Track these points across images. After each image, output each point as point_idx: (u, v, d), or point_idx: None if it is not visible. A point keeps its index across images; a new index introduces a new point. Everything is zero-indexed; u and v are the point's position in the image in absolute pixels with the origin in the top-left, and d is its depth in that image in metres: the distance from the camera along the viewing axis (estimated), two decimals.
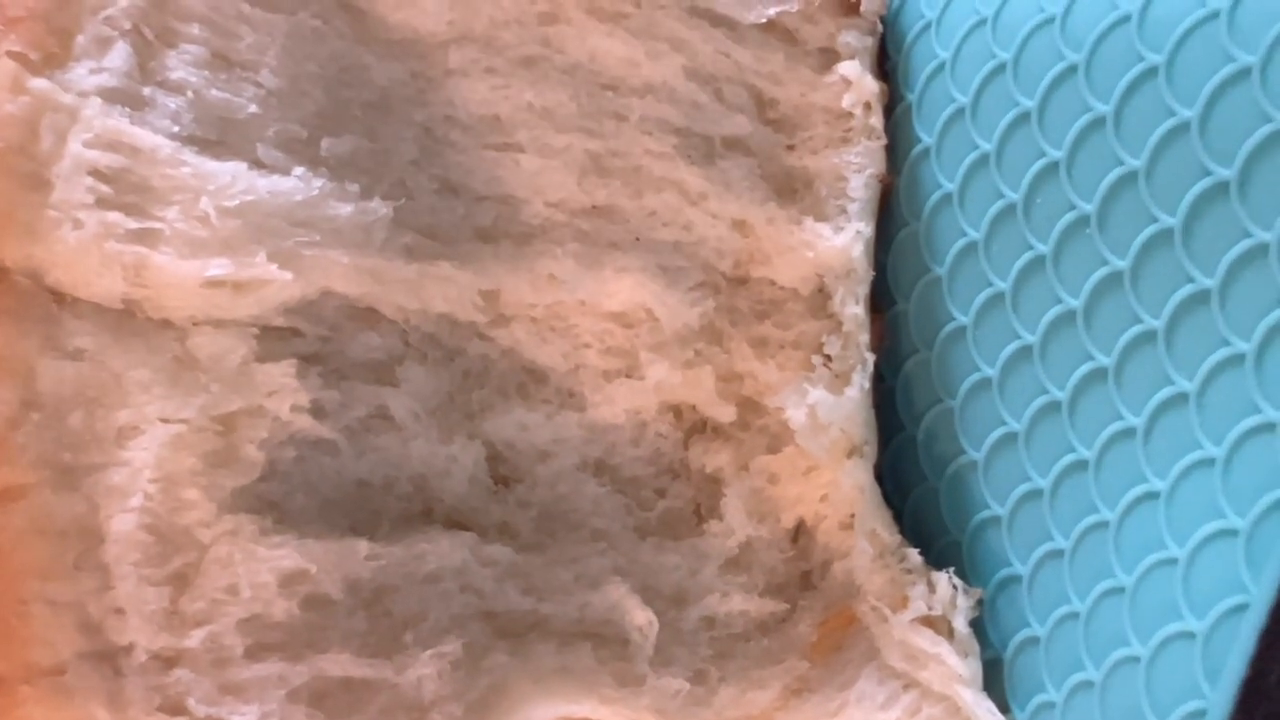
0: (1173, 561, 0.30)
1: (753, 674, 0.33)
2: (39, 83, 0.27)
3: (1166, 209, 0.31)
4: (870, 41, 0.38)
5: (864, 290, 0.36)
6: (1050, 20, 0.33)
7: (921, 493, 0.36)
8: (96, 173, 0.27)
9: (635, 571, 0.33)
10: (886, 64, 0.38)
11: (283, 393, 0.29)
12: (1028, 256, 0.34)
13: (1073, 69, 0.33)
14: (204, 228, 0.28)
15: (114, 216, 0.27)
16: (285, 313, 0.29)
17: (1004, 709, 0.33)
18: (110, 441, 0.27)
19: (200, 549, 0.27)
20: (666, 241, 0.35)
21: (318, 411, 0.29)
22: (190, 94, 0.29)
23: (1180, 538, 0.30)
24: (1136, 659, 0.30)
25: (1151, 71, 0.31)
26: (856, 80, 0.37)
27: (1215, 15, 0.30)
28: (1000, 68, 0.35)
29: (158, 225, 0.28)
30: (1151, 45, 0.31)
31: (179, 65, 0.29)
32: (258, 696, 0.27)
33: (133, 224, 0.27)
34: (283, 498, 0.29)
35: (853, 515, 0.34)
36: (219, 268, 0.28)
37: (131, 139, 0.28)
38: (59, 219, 0.27)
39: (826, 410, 0.34)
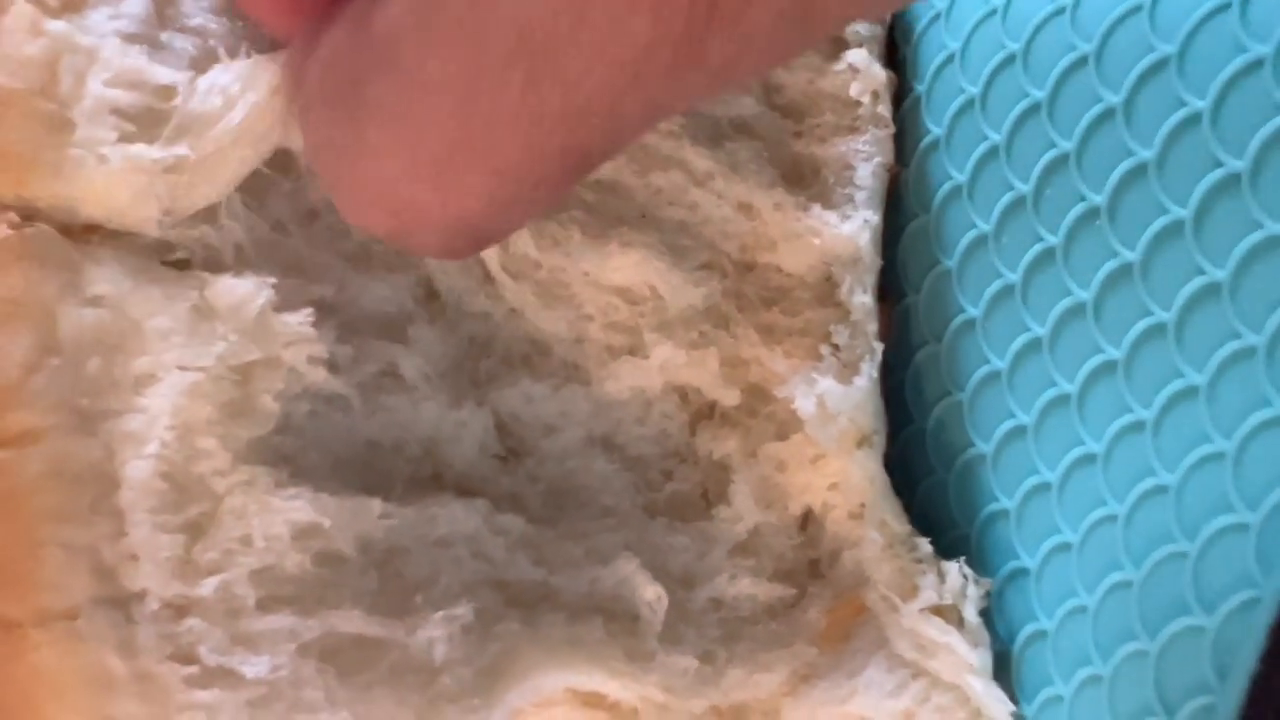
0: (1182, 556, 0.29)
1: (760, 657, 0.33)
2: (57, 25, 0.27)
3: (1178, 201, 0.31)
4: (878, 30, 0.38)
5: (872, 279, 0.36)
6: (1061, 11, 0.33)
7: (930, 485, 0.36)
8: (118, 111, 0.27)
9: (644, 550, 0.33)
10: (895, 55, 0.38)
11: (300, 343, 0.28)
12: (1038, 248, 0.33)
13: (1083, 60, 0.33)
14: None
15: (137, 148, 0.27)
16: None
17: (1011, 702, 0.32)
18: (128, 388, 0.27)
19: (215, 498, 0.27)
20: (672, 220, 0.35)
21: (331, 365, 0.29)
22: (207, 39, 0.29)
23: (1190, 532, 0.29)
24: (1145, 654, 0.30)
25: (1163, 62, 0.31)
26: (864, 68, 0.37)
27: (1227, 6, 0.30)
28: (1010, 59, 0.34)
29: (184, 152, 0.28)
30: (1163, 36, 0.31)
31: (196, 11, 0.29)
32: (269, 648, 0.27)
33: (158, 153, 0.27)
34: (297, 452, 0.29)
35: (862, 505, 0.34)
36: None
37: (152, 77, 0.28)
38: (84, 157, 0.27)
39: (835, 400, 0.34)
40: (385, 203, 0.25)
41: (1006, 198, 0.34)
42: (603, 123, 0.23)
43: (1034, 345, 0.33)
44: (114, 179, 0.27)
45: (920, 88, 0.37)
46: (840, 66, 0.37)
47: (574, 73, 0.22)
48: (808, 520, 0.35)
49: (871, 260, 0.36)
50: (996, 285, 0.34)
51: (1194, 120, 0.30)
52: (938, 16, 0.37)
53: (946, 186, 0.36)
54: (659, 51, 0.21)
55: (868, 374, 0.34)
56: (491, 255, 0.32)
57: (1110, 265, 0.32)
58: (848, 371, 0.34)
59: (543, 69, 0.22)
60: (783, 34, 0.22)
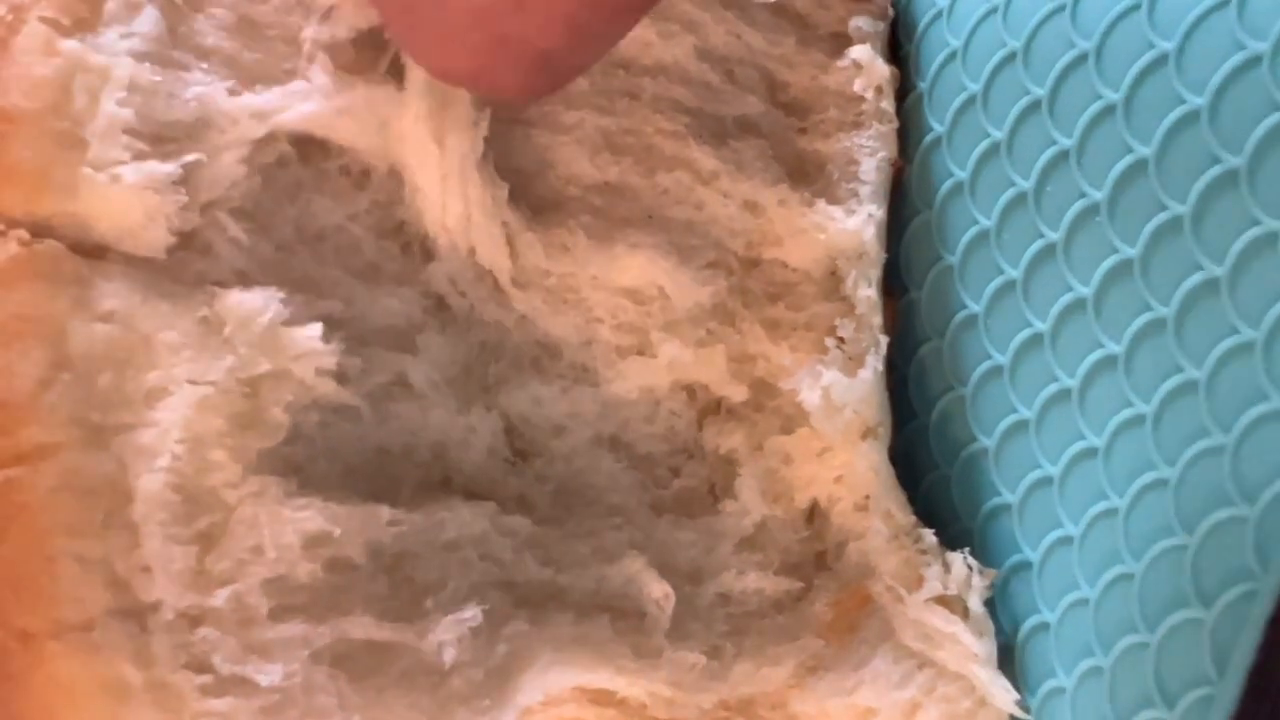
0: (1182, 549, 0.30)
1: (768, 650, 0.33)
2: (70, 44, 0.27)
3: (1176, 197, 0.31)
4: (881, 26, 0.38)
5: (876, 273, 0.36)
6: (1061, 8, 0.33)
7: (933, 479, 0.36)
8: (131, 130, 0.28)
9: (651, 547, 0.33)
10: (899, 52, 0.38)
11: (309, 356, 0.29)
12: (1039, 245, 0.34)
13: (1083, 57, 0.33)
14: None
15: (150, 165, 0.28)
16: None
17: (1015, 692, 0.33)
18: (139, 402, 0.27)
19: (226, 509, 0.27)
20: (679, 220, 0.35)
21: (340, 377, 0.30)
22: (220, 57, 0.29)
23: (1189, 525, 0.30)
24: (1145, 646, 0.30)
25: (1162, 59, 0.31)
26: (867, 64, 0.37)
27: (1226, 3, 0.30)
28: (1011, 56, 0.35)
29: (194, 157, 0.28)
30: (1162, 33, 0.31)
31: (209, 29, 0.29)
32: (281, 656, 0.27)
33: (170, 168, 0.28)
34: (307, 461, 0.29)
35: (868, 497, 0.35)
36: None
37: (165, 95, 0.28)
38: (97, 175, 0.27)
39: (840, 392, 0.34)
40: (470, 40, 0.25)
41: (1008, 194, 0.34)
42: None
43: (1035, 340, 0.34)
44: (127, 197, 0.27)
45: (923, 85, 0.37)
46: (844, 63, 0.37)
47: None
48: (814, 513, 0.35)
49: (876, 254, 0.36)
50: (998, 281, 0.34)
51: (1192, 117, 0.31)
52: (940, 14, 0.37)
53: (949, 183, 0.36)
54: None
55: (873, 367, 0.35)
56: (502, 268, 0.33)
57: (1110, 261, 0.32)
58: (853, 364, 0.35)
59: None
60: None
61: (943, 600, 0.33)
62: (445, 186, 0.32)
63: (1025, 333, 0.34)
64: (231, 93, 0.29)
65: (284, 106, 0.29)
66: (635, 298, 0.34)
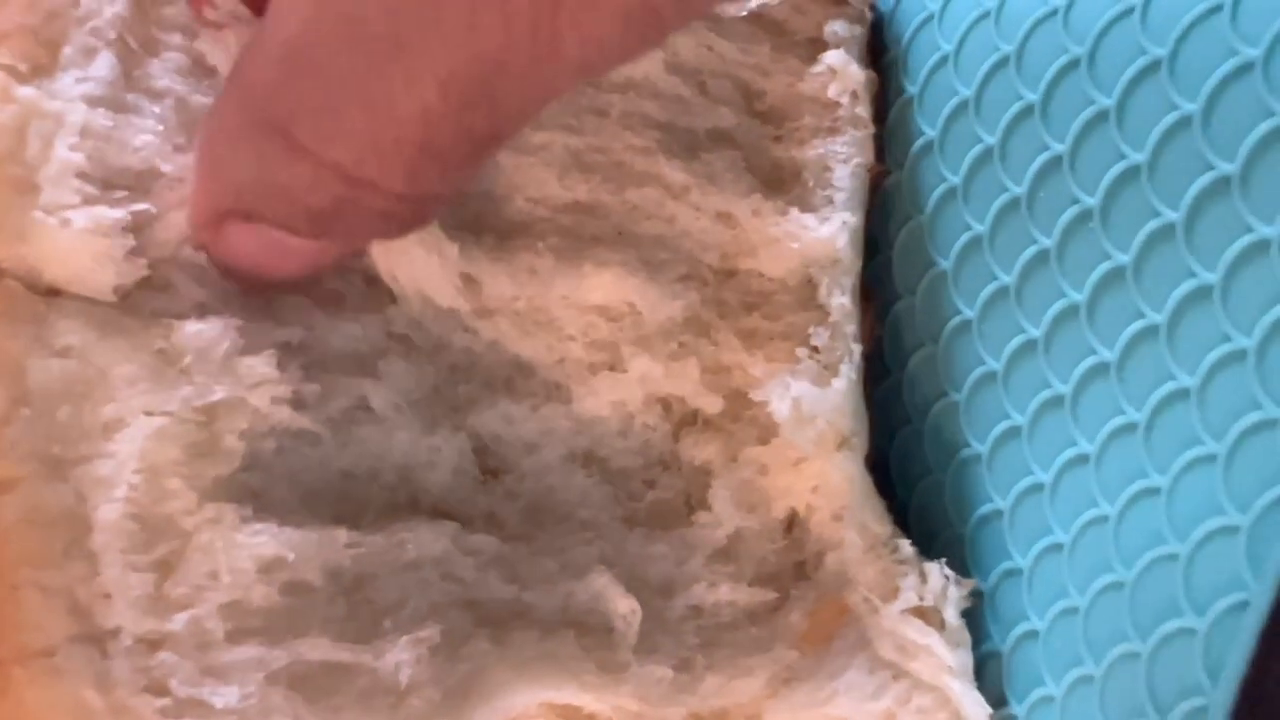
0: (1173, 558, 0.30)
1: (740, 662, 0.33)
2: (26, 91, 0.28)
3: (1169, 203, 0.31)
4: (859, 30, 0.38)
5: (851, 281, 0.36)
6: (1054, 13, 0.33)
7: (926, 485, 0.36)
8: (82, 174, 0.28)
9: (622, 561, 0.33)
10: (885, 56, 0.38)
11: (264, 385, 0.29)
12: (1032, 251, 0.33)
13: (1076, 62, 0.33)
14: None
15: (100, 211, 0.28)
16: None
17: (1003, 702, 0.33)
18: (97, 434, 0.27)
19: (184, 536, 0.28)
20: (649, 235, 0.35)
21: (298, 403, 0.30)
22: (173, 100, 0.30)
23: (1181, 534, 0.30)
24: (1137, 655, 0.30)
25: (1155, 65, 0.31)
26: (841, 69, 0.37)
27: (1219, 9, 0.30)
28: (1003, 61, 0.34)
29: (144, 207, 0.28)
30: (1155, 39, 0.31)
31: (163, 73, 0.30)
32: (238, 679, 0.27)
33: (119, 214, 0.28)
34: (264, 487, 0.29)
35: (844, 507, 0.34)
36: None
37: (117, 140, 0.29)
38: (47, 220, 0.28)
39: (811, 402, 0.34)
40: (325, 197, 0.27)
41: (1001, 200, 0.34)
42: (486, 112, 0.25)
43: (1028, 347, 0.33)
44: (75, 242, 0.28)
45: (913, 89, 0.37)
46: (819, 69, 0.37)
47: (444, 68, 0.25)
48: (793, 523, 0.35)
49: (850, 262, 0.36)
50: (991, 287, 0.34)
51: (1185, 123, 0.30)
52: (931, 18, 0.37)
53: (941, 188, 0.36)
54: (517, 46, 0.24)
55: (846, 376, 0.34)
56: (462, 306, 0.33)
57: (1103, 268, 0.32)
58: (826, 374, 0.34)
59: (419, 65, 0.25)
60: (634, 32, 0.25)
61: (919, 611, 0.33)
62: (393, 260, 0.32)
63: (1018, 339, 0.34)
64: (177, 149, 0.29)
65: None
66: (606, 314, 0.34)
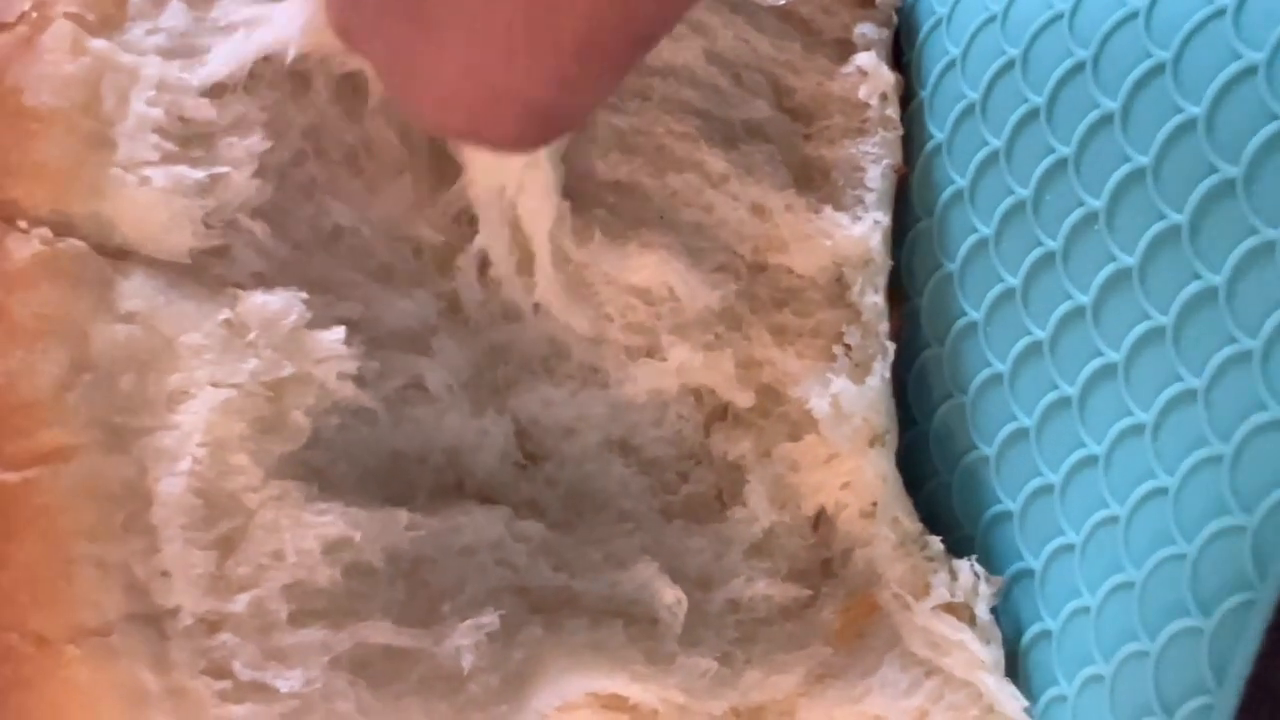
0: (1180, 558, 0.30)
1: (777, 658, 0.33)
2: (99, 43, 0.27)
3: (1174, 206, 0.31)
4: (885, 34, 0.38)
5: (882, 280, 0.36)
6: (1059, 17, 0.34)
7: (934, 487, 0.36)
8: (161, 130, 0.28)
9: (662, 553, 0.33)
10: (902, 59, 0.38)
11: (331, 360, 0.29)
12: (1038, 253, 0.34)
13: (1081, 66, 0.33)
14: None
15: (180, 170, 0.28)
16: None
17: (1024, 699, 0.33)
18: (161, 405, 0.27)
19: (247, 514, 0.27)
20: (689, 222, 0.35)
21: (359, 380, 0.30)
22: (253, 27, 0.29)
23: (1188, 534, 0.30)
24: (1145, 654, 0.30)
25: (1159, 68, 0.31)
26: (873, 71, 0.37)
27: (1222, 12, 0.30)
28: (1010, 64, 0.35)
29: (224, 171, 0.28)
30: (1159, 42, 0.31)
31: (234, 8, 0.29)
32: (301, 662, 0.27)
33: (199, 174, 0.28)
34: (327, 465, 0.29)
35: (874, 503, 0.35)
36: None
37: (193, 94, 0.28)
38: (124, 177, 0.27)
39: (849, 400, 0.34)
40: (461, 97, 0.25)
41: (1007, 202, 0.34)
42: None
43: (1035, 348, 0.34)
44: (154, 200, 0.27)
45: (924, 92, 0.37)
46: (849, 69, 0.37)
47: None
48: (820, 520, 0.36)
49: (882, 261, 0.36)
50: (998, 289, 0.35)
51: (1189, 126, 0.31)
52: (940, 22, 0.37)
53: (949, 191, 0.36)
54: None
55: (880, 374, 0.35)
56: (543, 245, 0.33)
57: (1109, 270, 0.32)
58: (860, 371, 0.35)
59: None
60: None
61: (950, 607, 0.33)
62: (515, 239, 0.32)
63: (1025, 341, 0.34)
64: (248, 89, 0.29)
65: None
66: (645, 297, 0.34)
